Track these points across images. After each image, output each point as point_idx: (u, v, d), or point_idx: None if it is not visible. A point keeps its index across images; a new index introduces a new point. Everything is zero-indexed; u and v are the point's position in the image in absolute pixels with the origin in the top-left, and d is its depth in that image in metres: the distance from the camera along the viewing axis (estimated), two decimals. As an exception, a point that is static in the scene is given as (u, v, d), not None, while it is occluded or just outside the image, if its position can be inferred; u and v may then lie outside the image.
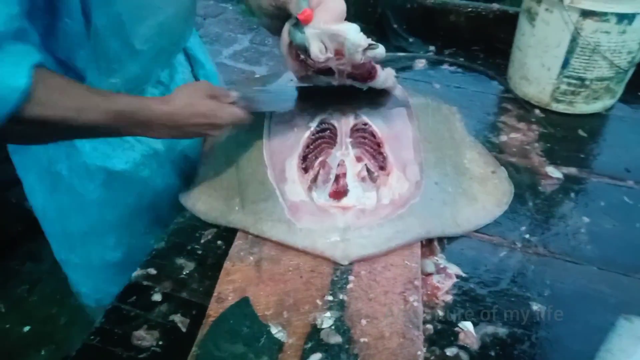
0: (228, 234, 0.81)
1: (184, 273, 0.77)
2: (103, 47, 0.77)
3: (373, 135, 0.84)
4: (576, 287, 0.74)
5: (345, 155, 0.80)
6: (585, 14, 0.95)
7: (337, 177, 0.78)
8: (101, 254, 1.01)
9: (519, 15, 1.12)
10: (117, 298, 0.74)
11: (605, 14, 0.94)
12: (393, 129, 0.87)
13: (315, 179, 0.79)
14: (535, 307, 0.71)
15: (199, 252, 0.80)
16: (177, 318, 0.70)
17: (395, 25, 1.33)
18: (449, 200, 0.82)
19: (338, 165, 0.79)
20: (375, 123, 0.85)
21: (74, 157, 0.88)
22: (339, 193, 0.77)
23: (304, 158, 0.81)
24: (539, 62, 1.07)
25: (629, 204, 0.88)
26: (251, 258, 0.75)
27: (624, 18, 0.94)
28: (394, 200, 0.78)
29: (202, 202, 0.85)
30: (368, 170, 0.80)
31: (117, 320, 0.71)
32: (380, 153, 0.82)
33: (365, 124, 0.85)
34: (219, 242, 0.81)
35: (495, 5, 1.29)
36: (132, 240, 1.00)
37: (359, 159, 0.81)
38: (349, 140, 0.83)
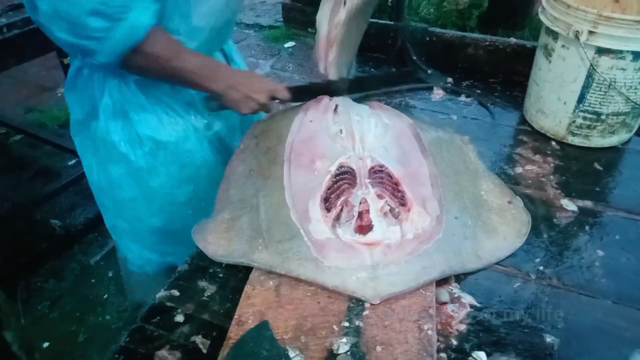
0: (249, 258, 0.84)
1: (206, 295, 0.80)
2: (167, 21, 0.97)
3: (390, 175, 0.86)
4: (590, 321, 0.75)
5: (366, 194, 0.83)
6: (601, 51, 0.98)
7: (360, 214, 0.81)
8: (146, 219, 1.18)
9: (536, 49, 1.15)
10: (142, 318, 0.77)
11: (621, 51, 0.96)
12: (409, 167, 0.89)
13: (338, 217, 0.81)
14: (548, 339, 0.72)
15: (221, 275, 0.83)
16: (198, 339, 0.73)
17: (414, 57, 1.37)
18: (469, 234, 0.83)
19: (360, 202, 0.82)
20: (391, 164, 0.88)
21: (127, 128, 1.08)
22: (364, 227, 0.79)
23: (326, 199, 0.84)
24: (555, 96, 1.09)
25: (645, 238, 0.89)
26: (271, 283, 0.77)
27: (640, 56, 0.96)
28: (418, 235, 0.79)
29: (223, 248, 0.84)
30: (390, 206, 0.82)
31: (141, 340, 0.73)
32: (399, 191, 0.85)
33: (382, 166, 0.88)
34: (240, 266, 0.84)
35: (513, 40, 1.32)
36: (173, 208, 1.17)
37: (379, 196, 0.83)
38: (368, 180, 0.86)
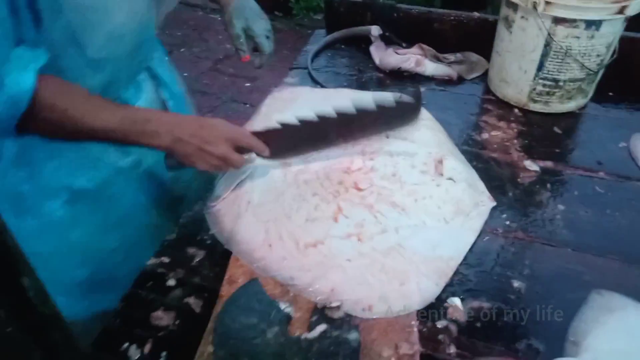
0: (234, 225, 0.88)
1: (195, 261, 0.83)
2: (61, 56, 0.78)
3: None
4: (553, 267, 0.82)
5: None
6: (557, 20, 1.04)
7: None
8: (69, 273, 0.99)
9: (497, 22, 1.21)
10: (134, 284, 0.80)
11: (575, 20, 1.03)
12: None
13: None
14: (516, 284, 0.79)
15: (208, 242, 0.86)
16: (191, 300, 0.77)
17: (387, 33, 1.42)
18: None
19: None
20: None
21: (36, 178, 0.88)
22: None
23: None
24: (516, 66, 1.15)
25: (600, 192, 0.96)
26: (258, 245, 0.81)
27: (592, 24, 1.03)
28: None
29: None
30: None
31: (136, 304, 0.77)
32: None
33: None
34: (226, 232, 0.88)
35: (476, 14, 1.37)
36: (99, 258, 0.99)
37: None
38: None
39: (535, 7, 1.03)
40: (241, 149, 0.85)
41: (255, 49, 1.22)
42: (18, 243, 0.40)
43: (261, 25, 1.20)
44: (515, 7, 1.10)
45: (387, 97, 0.92)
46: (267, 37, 1.21)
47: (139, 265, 0.95)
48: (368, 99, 0.89)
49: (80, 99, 0.79)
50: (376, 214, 0.81)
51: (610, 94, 1.24)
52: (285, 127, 0.87)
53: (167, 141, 0.81)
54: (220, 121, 0.85)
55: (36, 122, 0.74)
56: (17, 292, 0.39)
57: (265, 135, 0.87)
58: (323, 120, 0.87)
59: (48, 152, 0.87)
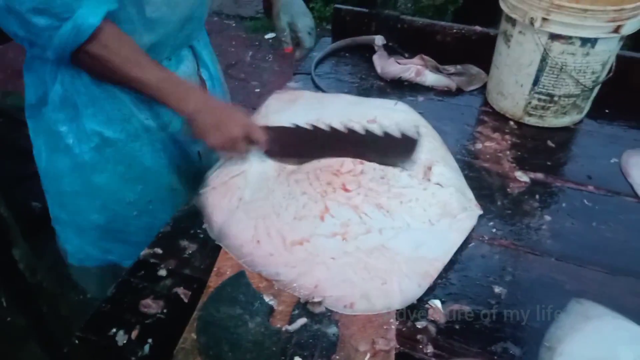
0: (227, 220, 0.91)
1: (187, 253, 0.86)
2: (121, 12, 0.89)
3: None
4: (535, 275, 0.84)
5: None
6: (553, 37, 1.06)
7: None
8: (88, 215, 1.12)
9: (497, 36, 1.23)
10: (127, 273, 0.83)
11: (570, 37, 1.05)
12: None
13: None
14: (497, 289, 0.81)
15: (201, 235, 0.89)
16: (180, 290, 0.79)
17: (390, 43, 1.45)
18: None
19: None
20: None
21: (75, 121, 1.01)
22: None
23: None
24: (513, 80, 1.18)
25: (588, 206, 0.98)
26: (248, 241, 0.84)
27: (587, 42, 1.05)
28: None
29: None
30: None
31: (127, 291, 0.80)
32: None
33: None
34: (219, 227, 0.90)
35: (478, 28, 1.40)
36: (116, 207, 1.10)
37: None
38: None
39: (532, 22, 1.06)
40: (250, 140, 0.94)
41: (298, 42, 1.32)
42: (10, 214, 0.43)
43: (305, 22, 1.31)
44: (513, 22, 1.13)
45: (394, 130, 0.96)
46: (309, 34, 1.31)
47: (150, 225, 1.09)
48: (374, 126, 0.97)
49: (131, 50, 0.89)
50: (361, 214, 0.84)
51: (607, 111, 1.25)
52: (297, 130, 0.97)
53: (191, 108, 0.91)
54: (241, 110, 0.96)
55: (88, 57, 0.87)
56: (8, 263, 0.41)
57: (275, 132, 0.96)
58: (334, 132, 0.96)
59: (89, 99, 0.99)
